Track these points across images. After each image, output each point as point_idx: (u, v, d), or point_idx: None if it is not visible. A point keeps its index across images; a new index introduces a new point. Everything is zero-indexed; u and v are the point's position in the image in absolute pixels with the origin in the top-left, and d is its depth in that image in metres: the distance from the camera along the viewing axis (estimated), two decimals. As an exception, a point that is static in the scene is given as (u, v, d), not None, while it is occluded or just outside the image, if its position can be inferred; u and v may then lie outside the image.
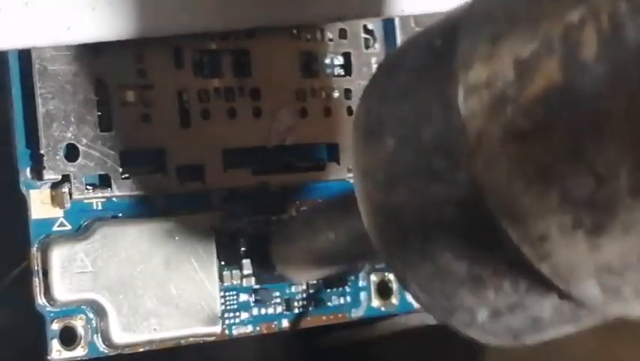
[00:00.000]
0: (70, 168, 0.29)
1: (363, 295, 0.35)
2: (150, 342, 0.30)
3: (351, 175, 0.33)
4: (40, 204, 0.29)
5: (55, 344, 0.29)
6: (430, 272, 0.21)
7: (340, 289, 0.34)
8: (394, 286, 0.35)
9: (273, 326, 0.33)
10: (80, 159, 0.29)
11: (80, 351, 0.30)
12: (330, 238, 0.29)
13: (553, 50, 0.17)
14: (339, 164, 0.34)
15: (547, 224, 0.18)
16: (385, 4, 0.32)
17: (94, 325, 0.30)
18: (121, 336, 0.30)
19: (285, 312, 0.33)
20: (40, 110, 0.29)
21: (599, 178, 0.17)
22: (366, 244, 0.23)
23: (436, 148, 0.20)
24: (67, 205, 0.29)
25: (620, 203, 0.16)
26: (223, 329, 0.32)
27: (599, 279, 0.18)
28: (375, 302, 0.35)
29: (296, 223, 0.32)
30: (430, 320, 0.29)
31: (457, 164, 0.19)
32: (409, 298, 0.35)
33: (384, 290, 0.35)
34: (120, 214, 0.30)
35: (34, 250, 0.29)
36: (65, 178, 0.29)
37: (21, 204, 0.29)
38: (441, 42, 0.21)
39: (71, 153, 0.29)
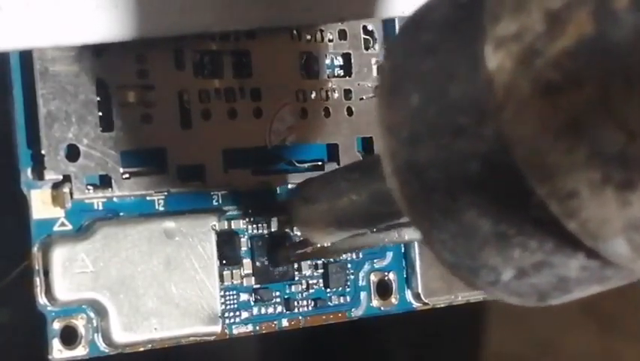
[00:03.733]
0: (71, 168, 0.29)
1: (362, 294, 0.35)
2: (151, 341, 0.30)
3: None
4: (41, 204, 0.29)
5: (56, 344, 0.29)
6: (455, 230, 0.20)
7: (340, 288, 0.34)
8: (394, 285, 0.35)
9: (273, 325, 0.33)
10: (80, 159, 0.29)
11: (80, 350, 0.30)
12: (352, 199, 0.28)
13: (584, 0, 0.17)
14: (339, 164, 0.34)
15: (576, 180, 0.17)
16: (385, 4, 0.32)
17: (95, 324, 0.30)
18: (121, 335, 0.30)
19: (285, 312, 0.33)
20: (42, 110, 0.29)
21: (630, 133, 0.16)
22: (388, 204, 0.22)
23: (462, 103, 0.19)
24: (68, 205, 0.29)
25: None
26: (223, 329, 0.32)
27: (627, 236, 0.18)
28: (375, 302, 0.35)
29: (317, 185, 0.31)
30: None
31: (483, 119, 0.19)
32: (409, 297, 0.35)
33: (383, 290, 0.35)
34: (121, 214, 0.30)
35: (35, 249, 0.29)
36: (66, 178, 0.29)
37: (22, 204, 0.29)
38: None
39: (72, 153, 0.29)
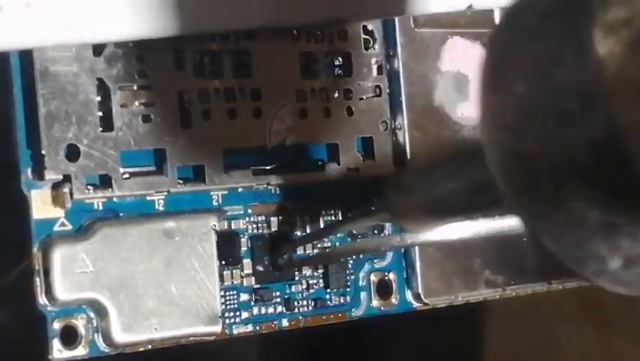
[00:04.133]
0: (71, 168, 0.29)
1: (363, 294, 0.35)
2: (151, 341, 0.30)
3: (351, 175, 0.34)
4: (41, 204, 0.29)
5: (56, 344, 0.29)
6: (561, 220, 0.20)
7: (340, 289, 0.34)
8: (394, 285, 0.35)
9: (273, 325, 0.33)
10: (80, 159, 0.29)
11: (80, 350, 0.30)
12: (450, 189, 0.28)
13: None
14: (339, 164, 0.34)
15: None
16: (385, 4, 0.32)
17: (95, 324, 0.30)
18: (121, 335, 0.30)
19: (285, 312, 0.33)
20: (42, 110, 0.29)
21: None
22: (487, 193, 0.22)
23: (569, 90, 0.19)
24: (68, 205, 0.29)
25: None
26: (223, 329, 0.32)
27: None
28: (375, 302, 0.35)
29: (413, 173, 0.31)
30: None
31: (592, 106, 0.19)
32: (409, 297, 0.35)
33: (384, 290, 0.35)
34: (121, 214, 0.31)
35: (35, 249, 0.29)
36: (66, 178, 0.29)
37: (22, 204, 0.29)
38: None
39: (72, 153, 0.29)
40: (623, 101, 0.18)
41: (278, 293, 0.33)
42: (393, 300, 0.35)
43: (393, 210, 0.30)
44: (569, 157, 0.19)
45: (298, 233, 0.33)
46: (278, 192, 0.33)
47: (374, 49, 0.34)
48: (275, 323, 0.33)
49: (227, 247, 0.32)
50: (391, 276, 0.35)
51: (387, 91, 0.35)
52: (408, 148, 0.35)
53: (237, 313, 0.32)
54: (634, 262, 0.20)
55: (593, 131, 0.19)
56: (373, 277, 0.35)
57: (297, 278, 0.33)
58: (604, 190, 0.19)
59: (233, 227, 0.32)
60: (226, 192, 0.32)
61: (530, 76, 0.20)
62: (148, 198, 0.31)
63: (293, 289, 0.33)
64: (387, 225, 0.35)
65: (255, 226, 0.33)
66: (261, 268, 0.33)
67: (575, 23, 0.19)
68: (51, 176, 0.29)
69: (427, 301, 0.35)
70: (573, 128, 0.19)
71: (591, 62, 0.19)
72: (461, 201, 0.28)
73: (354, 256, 0.34)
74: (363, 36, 0.34)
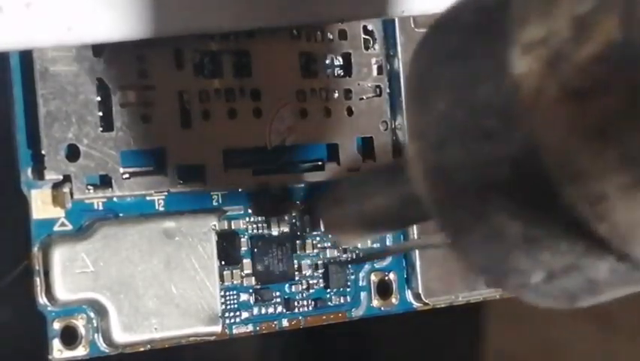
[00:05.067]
0: (71, 168, 0.29)
1: (363, 294, 0.35)
2: (151, 342, 0.30)
3: (350, 175, 0.34)
4: (41, 204, 0.29)
5: (56, 344, 0.29)
6: (484, 234, 0.20)
7: (340, 289, 0.34)
8: (394, 285, 0.35)
9: (273, 325, 0.33)
10: (80, 160, 0.29)
11: (81, 351, 0.30)
12: (380, 202, 0.28)
13: (612, 5, 0.17)
14: (339, 164, 0.34)
15: (606, 183, 0.17)
16: (385, 4, 0.32)
17: (95, 324, 0.30)
18: (122, 336, 0.30)
19: (285, 312, 0.33)
20: (42, 110, 0.29)
21: None
22: (417, 207, 0.22)
23: (489, 107, 0.20)
24: (68, 205, 0.29)
25: None
26: (223, 329, 0.32)
27: None
28: (375, 302, 0.35)
29: (345, 187, 0.31)
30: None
31: (511, 122, 0.19)
32: (409, 297, 0.35)
33: (384, 290, 0.35)
34: (121, 214, 0.31)
35: (35, 249, 0.29)
36: (66, 178, 0.29)
37: (22, 204, 0.29)
38: (493, 0, 0.20)
39: (72, 153, 0.29)
40: (540, 118, 0.18)
41: (278, 293, 0.33)
42: (394, 300, 0.35)
43: (326, 221, 0.31)
44: (490, 172, 0.20)
45: (299, 233, 0.33)
46: (278, 192, 0.33)
47: (374, 49, 0.34)
48: (275, 323, 0.33)
49: (227, 247, 0.32)
50: (391, 276, 0.35)
51: (388, 91, 0.35)
52: (408, 148, 0.35)
53: (237, 313, 0.32)
54: (555, 276, 0.20)
55: (512, 148, 0.19)
56: (373, 277, 0.35)
57: (297, 278, 0.33)
58: (524, 205, 0.20)
59: (233, 227, 0.32)
60: (226, 192, 0.32)
61: (452, 93, 0.21)
62: (148, 198, 0.31)
63: (293, 289, 0.33)
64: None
65: (255, 226, 0.33)
66: (260, 268, 0.33)
67: (494, 42, 0.20)
68: (51, 176, 0.29)
69: (427, 301, 0.35)
70: (494, 145, 0.19)
71: (510, 80, 0.19)
72: (392, 215, 0.28)
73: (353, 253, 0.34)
74: (363, 36, 0.34)
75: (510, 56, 0.19)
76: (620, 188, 0.17)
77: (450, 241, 0.22)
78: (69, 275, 0.29)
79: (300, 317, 0.34)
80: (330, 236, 0.33)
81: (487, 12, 0.21)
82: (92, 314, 0.30)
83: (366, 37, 0.34)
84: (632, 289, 0.21)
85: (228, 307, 0.32)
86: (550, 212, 0.19)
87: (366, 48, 0.34)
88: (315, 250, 0.34)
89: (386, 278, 0.35)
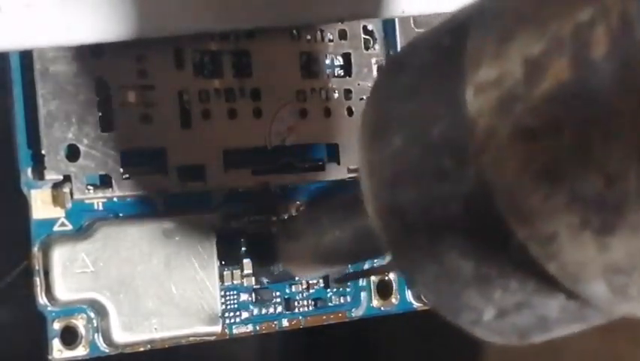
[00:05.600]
0: (72, 168, 0.29)
1: (363, 294, 0.35)
2: (151, 341, 0.30)
3: (351, 175, 0.34)
4: (41, 204, 0.29)
5: (56, 344, 0.29)
6: (436, 271, 0.21)
7: (340, 289, 0.34)
8: (394, 285, 0.35)
9: (273, 325, 0.33)
10: (80, 160, 0.29)
11: (80, 351, 0.30)
12: (336, 236, 0.29)
13: (563, 48, 0.17)
14: (339, 164, 0.34)
15: (556, 223, 0.18)
16: (385, 4, 0.32)
17: (95, 324, 0.30)
18: (122, 335, 0.30)
19: (285, 312, 0.33)
20: (42, 110, 0.29)
21: (608, 178, 0.16)
22: (372, 242, 0.23)
23: (443, 146, 0.20)
24: (69, 205, 0.29)
25: (628, 203, 0.16)
26: (223, 329, 0.32)
27: (606, 279, 0.18)
28: (375, 302, 0.35)
29: (302, 221, 0.32)
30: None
31: (464, 162, 0.19)
32: (409, 297, 0.35)
33: (384, 290, 0.35)
34: (121, 214, 0.31)
35: (35, 249, 0.29)
36: (66, 178, 0.29)
37: (22, 204, 0.29)
38: (449, 41, 0.21)
39: (72, 153, 0.29)
40: (491, 159, 0.18)
41: (278, 293, 0.33)
42: (393, 300, 0.35)
43: (282, 256, 0.31)
44: (443, 211, 0.20)
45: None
46: (278, 192, 0.33)
47: (374, 49, 0.34)
48: (275, 323, 0.33)
49: (227, 247, 0.32)
50: (391, 276, 0.35)
51: (388, 91, 0.35)
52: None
53: (237, 313, 0.32)
54: (506, 313, 0.20)
55: (465, 187, 0.19)
56: (373, 277, 0.35)
57: (297, 278, 0.33)
58: (476, 243, 0.20)
59: (233, 227, 0.32)
60: (226, 192, 0.32)
61: (407, 130, 0.21)
62: (148, 198, 0.31)
63: (293, 289, 0.33)
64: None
65: (255, 226, 0.33)
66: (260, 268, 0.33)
67: (448, 81, 0.20)
68: (51, 176, 0.29)
69: (427, 301, 0.35)
70: (447, 184, 0.20)
71: (462, 120, 0.19)
72: (347, 249, 0.28)
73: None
74: (363, 36, 0.34)
75: (464, 95, 0.19)
76: (569, 228, 0.17)
77: (404, 277, 0.22)
78: (69, 275, 0.29)
79: (300, 317, 0.34)
80: (285, 270, 0.32)
81: (443, 51, 0.21)
82: (92, 314, 0.30)
83: (366, 37, 0.34)
84: (582, 325, 0.21)
85: (228, 307, 0.32)
86: (501, 251, 0.19)
87: (367, 48, 0.34)
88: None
89: (386, 278, 0.35)
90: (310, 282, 0.34)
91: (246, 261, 0.33)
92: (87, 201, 0.30)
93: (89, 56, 0.29)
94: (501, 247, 0.19)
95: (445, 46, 0.21)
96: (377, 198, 0.22)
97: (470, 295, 0.20)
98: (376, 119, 0.22)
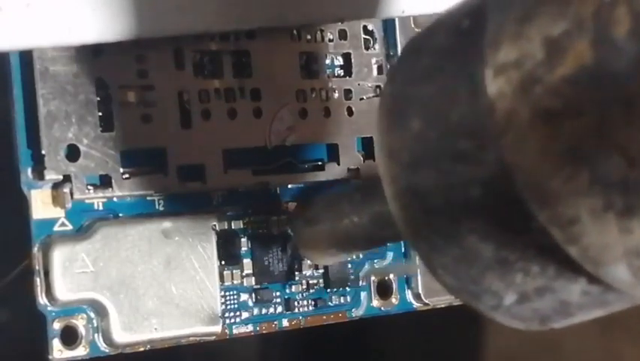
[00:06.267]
0: (72, 168, 0.29)
1: (363, 294, 0.35)
2: (151, 341, 0.30)
3: (350, 175, 0.34)
4: (41, 204, 0.29)
5: (56, 344, 0.29)
6: (457, 255, 0.21)
7: (340, 289, 0.34)
8: (394, 285, 0.35)
9: (273, 325, 0.33)
10: (80, 160, 0.29)
11: (81, 350, 0.30)
12: (354, 222, 0.28)
13: (584, 28, 0.17)
14: (339, 164, 0.34)
15: (577, 206, 0.18)
16: (385, 4, 0.32)
17: (95, 324, 0.30)
18: (122, 335, 0.30)
19: (285, 312, 0.33)
20: (42, 110, 0.29)
21: (631, 160, 0.16)
22: (390, 227, 0.22)
23: (462, 129, 0.20)
24: (69, 205, 0.29)
25: None
26: (223, 329, 0.32)
27: (628, 262, 0.18)
28: (375, 302, 0.35)
29: (319, 206, 0.31)
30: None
31: (484, 144, 0.19)
32: (409, 297, 0.35)
33: (384, 290, 0.35)
34: (121, 214, 0.31)
35: (35, 249, 0.29)
36: (66, 178, 0.29)
37: (22, 204, 0.29)
38: (468, 22, 0.20)
39: (72, 153, 0.29)
40: (511, 141, 0.18)
41: (278, 293, 0.33)
42: (394, 300, 0.35)
43: (300, 241, 0.31)
44: (462, 194, 0.20)
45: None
46: (278, 192, 0.33)
47: (374, 49, 0.34)
48: (275, 323, 0.33)
49: (227, 247, 0.32)
50: (391, 276, 0.35)
51: (388, 91, 0.35)
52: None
53: (237, 313, 0.32)
54: (527, 297, 0.20)
55: (484, 169, 0.19)
56: (373, 277, 0.35)
57: (297, 278, 0.33)
58: (496, 226, 0.20)
59: (233, 227, 0.32)
60: (226, 192, 0.32)
61: (426, 114, 0.21)
62: (148, 198, 0.31)
63: (293, 289, 0.33)
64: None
65: (254, 225, 0.33)
66: (260, 268, 0.33)
67: (467, 63, 0.20)
68: (51, 176, 0.29)
69: (427, 301, 0.35)
70: (466, 166, 0.20)
71: (482, 102, 0.19)
72: (364, 234, 0.28)
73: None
74: (363, 36, 0.34)
75: (483, 77, 0.19)
76: (591, 211, 0.17)
77: (423, 261, 0.22)
78: (69, 275, 0.29)
79: (300, 317, 0.34)
80: (302, 254, 0.32)
81: (462, 34, 0.21)
82: (92, 314, 0.30)
83: (366, 37, 0.34)
84: (604, 311, 0.21)
85: (228, 307, 0.32)
86: (522, 234, 0.19)
87: (367, 48, 0.34)
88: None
89: (386, 278, 0.35)
90: (310, 282, 0.34)
91: (246, 261, 0.33)
92: (87, 201, 0.30)
93: (89, 56, 0.29)
94: (522, 230, 0.19)
95: (464, 28, 0.20)
96: (396, 181, 0.21)
97: (491, 280, 0.20)
98: (395, 102, 0.22)
